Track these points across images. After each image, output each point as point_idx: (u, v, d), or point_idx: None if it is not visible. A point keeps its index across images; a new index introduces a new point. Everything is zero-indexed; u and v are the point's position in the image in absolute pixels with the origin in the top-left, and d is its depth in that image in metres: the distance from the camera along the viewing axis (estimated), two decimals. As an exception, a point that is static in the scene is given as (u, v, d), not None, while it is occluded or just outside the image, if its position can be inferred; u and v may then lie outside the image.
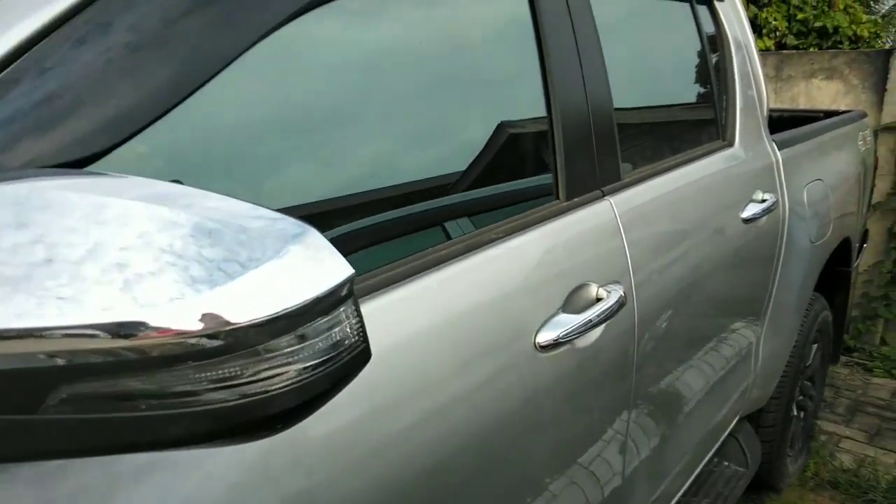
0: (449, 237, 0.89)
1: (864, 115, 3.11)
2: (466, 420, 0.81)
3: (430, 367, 0.76)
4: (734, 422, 1.93)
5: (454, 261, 0.83)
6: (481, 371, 0.84)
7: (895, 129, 3.78)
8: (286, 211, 0.46)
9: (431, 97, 0.94)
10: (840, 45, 6.53)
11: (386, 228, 0.85)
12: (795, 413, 2.42)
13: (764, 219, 1.71)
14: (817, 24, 7.39)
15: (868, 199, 3.24)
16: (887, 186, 3.87)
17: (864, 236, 3.30)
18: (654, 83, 1.63)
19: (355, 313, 0.45)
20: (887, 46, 7.66)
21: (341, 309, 0.43)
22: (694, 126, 1.70)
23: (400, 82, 0.88)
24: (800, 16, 7.70)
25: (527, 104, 1.09)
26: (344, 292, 0.43)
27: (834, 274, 2.71)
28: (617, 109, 1.22)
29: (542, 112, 1.07)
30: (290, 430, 0.46)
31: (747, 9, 7.65)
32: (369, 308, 0.71)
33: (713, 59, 1.69)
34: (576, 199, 1.10)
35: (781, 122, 3.42)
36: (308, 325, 0.41)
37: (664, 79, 1.65)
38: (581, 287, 1.03)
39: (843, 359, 4.03)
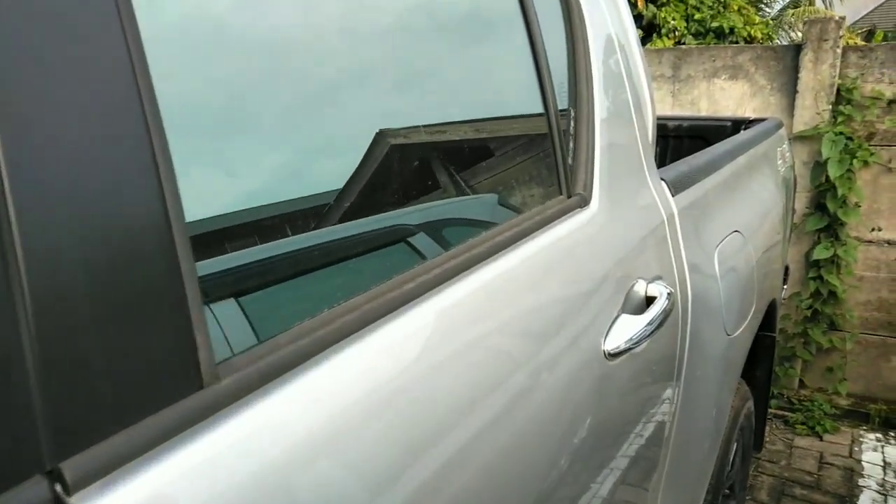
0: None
1: (780, 126, 2.44)
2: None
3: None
4: None
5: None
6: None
7: (810, 137, 3.18)
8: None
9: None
10: (737, 46, 6.22)
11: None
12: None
13: (648, 341, 0.92)
14: (714, 24, 7.31)
15: (790, 227, 2.59)
16: (803, 205, 3.27)
17: (786, 273, 2.65)
18: (437, 104, 0.82)
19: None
20: (786, 44, 7.47)
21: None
22: (508, 177, 0.89)
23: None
24: (697, 16, 7.49)
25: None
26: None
27: (755, 341, 2.02)
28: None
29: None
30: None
31: (646, 8, 7.26)
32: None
33: (546, 64, 0.90)
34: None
35: (680, 135, 2.75)
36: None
37: (451, 98, 0.84)
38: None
39: (760, 409, 3.44)
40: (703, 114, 3.40)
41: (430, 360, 0.60)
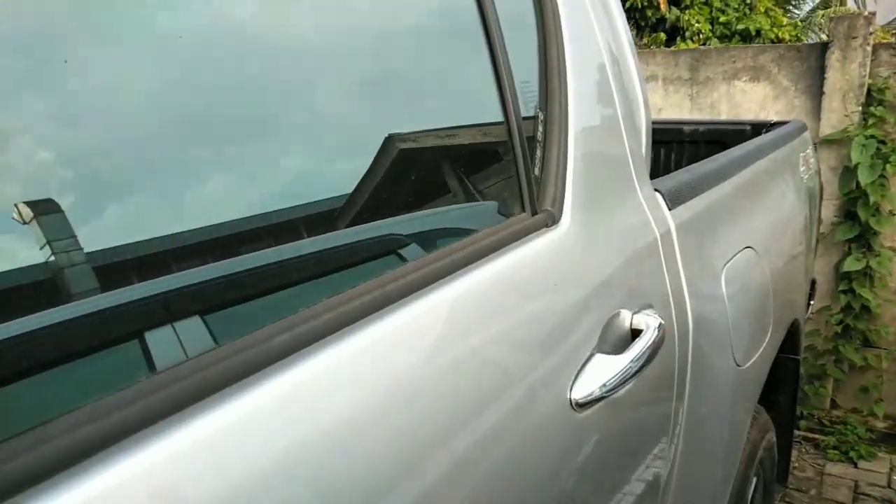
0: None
1: (803, 129, 2.26)
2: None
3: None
4: None
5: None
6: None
7: (838, 141, 2.98)
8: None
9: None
10: (764, 47, 6.04)
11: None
12: None
13: (633, 382, 0.77)
14: (740, 26, 7.15)
15: (816, 238, 2.40)
16: (831, 214, 3.07)
17: (813, 287, 2.46)
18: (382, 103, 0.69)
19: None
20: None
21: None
22: (459, 191, 0.76)
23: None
24: (722, 18, 7.33)
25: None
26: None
27: (775, 364, 1.84)
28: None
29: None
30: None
31: (669, 11, 7.07)
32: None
33: (506, 67, 0.76)
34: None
35: (696, 140, 2.58)
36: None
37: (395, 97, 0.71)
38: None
39: (788, 431, 3.23)
40: (723, 118, 3.22)
41: (335, 426, 0.47)
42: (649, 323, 0.84)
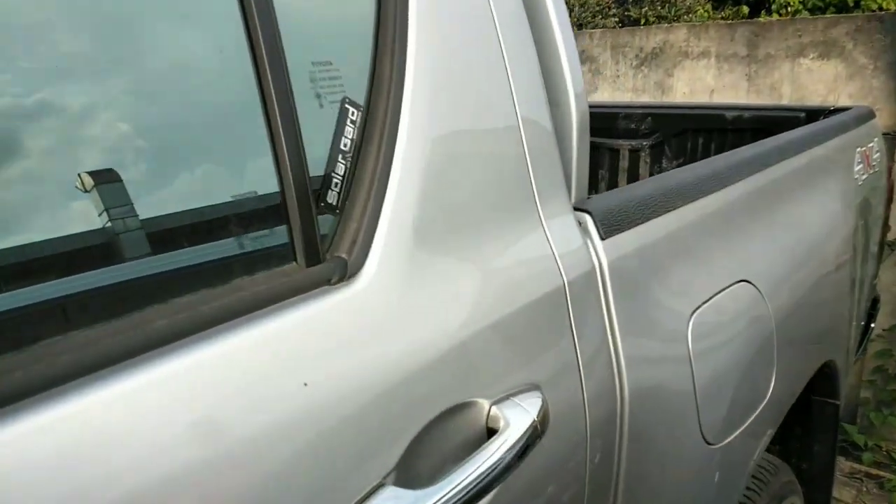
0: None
1: (869, 116, 1.86)
2: None
3: None
4: None
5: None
6: None
7: (924, 130, 2.51)
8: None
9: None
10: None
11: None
12: None
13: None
14: None
15: (880, 252, 2.00)
16: (910, 215, 2.60)
17: (874, 307, 2.06)
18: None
19: None
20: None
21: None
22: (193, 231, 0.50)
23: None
24: None
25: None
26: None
27: (809, 408, 1.50)
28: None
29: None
30: None
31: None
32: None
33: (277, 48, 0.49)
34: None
35: (740, 128, 2.20)
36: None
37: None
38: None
39: (847, 464, 2.80)
40: (784, 102, 2.78)
41: None
42: (510, 419, 0.57)
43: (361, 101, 0.57)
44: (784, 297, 1.05)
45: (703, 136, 2.29)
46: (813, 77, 2.74)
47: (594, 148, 2.50)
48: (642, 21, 5.69)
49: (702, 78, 2.93)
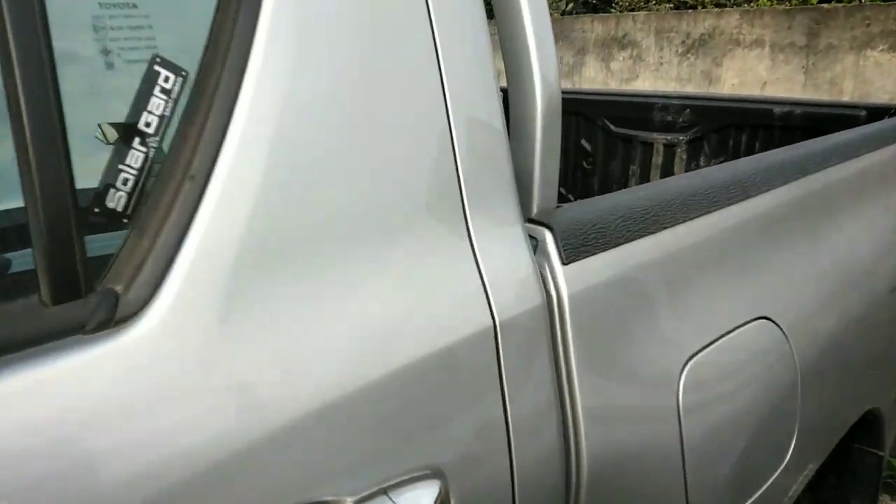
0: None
1: (939, 118, 1.60)
2: None
3: None
4: None
5: None
6: None
7: None
8: None
9: None
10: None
11: None
12: None
13: None
14: None
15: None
16: None
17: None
18: None
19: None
20: None
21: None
22: None
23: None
24: None
25: None
26: None
27: (849, 456, 1.29)
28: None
29: None
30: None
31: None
32: None
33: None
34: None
35: (789, 126, 1.96)
36: None
37: None
38: None
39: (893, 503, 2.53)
40: (845, 99, 2.50)
41: None
42: None
43: (185, 62, 0.40)
44: (814, 338, 0.85)
45: (746, 133, 2.06)
46: (881, 72, 2.44)
47: (626, 140, 2.28)
48: (699, 6, 5.34)
49: (753, 69, 2.66)
